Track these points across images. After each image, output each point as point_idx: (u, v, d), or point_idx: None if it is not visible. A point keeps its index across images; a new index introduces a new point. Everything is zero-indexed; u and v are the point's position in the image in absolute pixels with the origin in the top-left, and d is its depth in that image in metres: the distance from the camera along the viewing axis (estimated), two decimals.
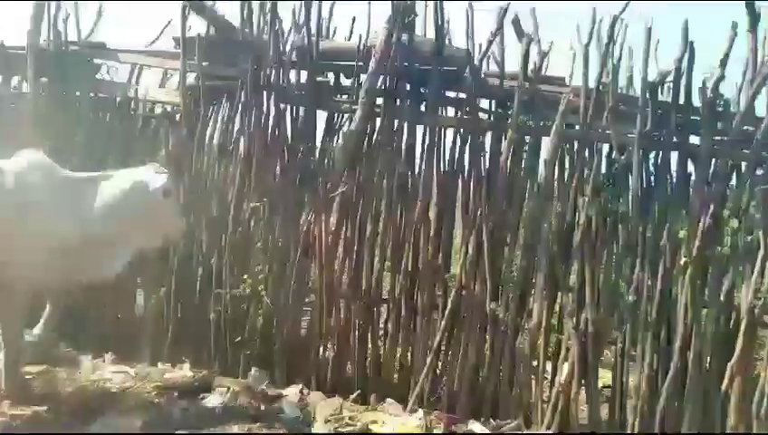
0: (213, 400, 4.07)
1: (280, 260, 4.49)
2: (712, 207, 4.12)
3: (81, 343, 4.59)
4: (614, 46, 4.31)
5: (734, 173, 4.31)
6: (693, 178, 4.27)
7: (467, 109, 4.44)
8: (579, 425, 4.22)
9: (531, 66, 4.34)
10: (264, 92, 4.61)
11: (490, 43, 4.37)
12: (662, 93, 4.43)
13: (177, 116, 4.75)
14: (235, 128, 4.66)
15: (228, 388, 4.20)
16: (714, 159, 4.25)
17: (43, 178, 3.50)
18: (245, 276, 4.51)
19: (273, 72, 4.58)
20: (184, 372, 4.45)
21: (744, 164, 4.22)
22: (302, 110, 4.59)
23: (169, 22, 5.08)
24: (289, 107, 4.62)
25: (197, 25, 4.82)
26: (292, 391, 4.28)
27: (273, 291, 4.48)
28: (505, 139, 4.38)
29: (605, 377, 4.48)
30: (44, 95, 4.87)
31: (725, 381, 4.03)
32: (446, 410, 4.25)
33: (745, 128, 4.19)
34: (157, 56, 4.95)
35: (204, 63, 4.68)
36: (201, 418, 3.78)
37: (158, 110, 5.01)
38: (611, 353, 4.41)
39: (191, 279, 4.64)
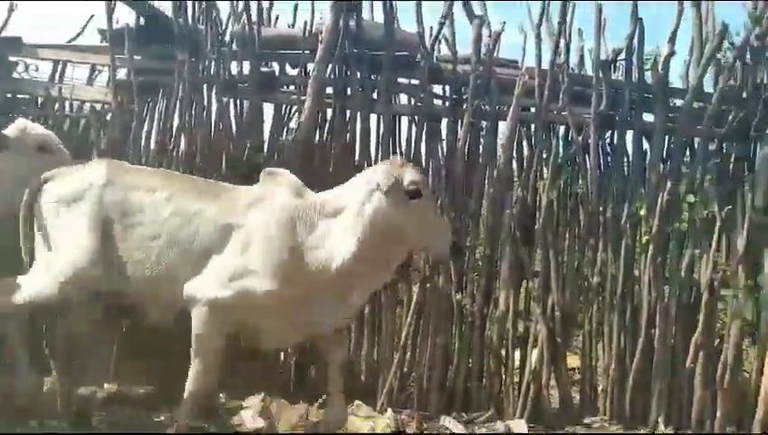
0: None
1: None
2: (669, 183, 4.16)
3: None
4: (565, 26, 4.27)
5: (688, 149, 4.36)
6: (648, 155, 4.29)
7: (421, 96, 4.27)
8: (550, 410, 4.19)
9: (483, 49, 4.24)
10: (204, 86, 4.28)
11: (441, 25, 4.22)
12: (614, 72, 4.41)
13: (109, 115, 4.34)
14: (175, 124, 4.31)
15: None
16: (668, 136, 4.29)
17: None
18: None
19: (213, 63, 4.26)
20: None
21: (696, 140, 4.28)
22: (246, 103, 4.29)
23: (92, 16, 4.64)
24: (232, 100, 4.31)
25: (125, 18, 4.43)
26: (253, 401, 4.02)
27: None
28: (462, 125, 4.26)
29: (572, 361, 4.48)
30: None
31: (690, 356, 4.09)
32: (418, 407, 4.12)
33: (696, 104, 4.24)
34: (81, 51, 4.52)
35: (135, 57, 4.30)
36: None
37: (86, 109, 4.57)
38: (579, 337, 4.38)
39: None
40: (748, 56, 4.19)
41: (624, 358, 4.20)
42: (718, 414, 4.04)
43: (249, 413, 3.86)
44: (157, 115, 4.36)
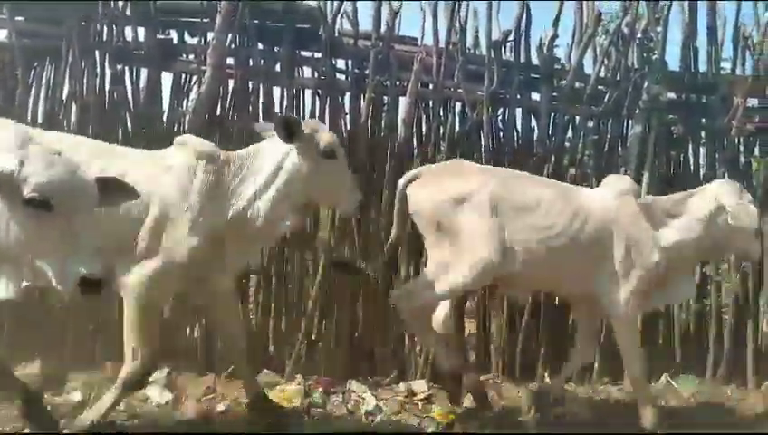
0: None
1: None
2: (553, 157, 4.54)
3: None
4: (460, 6, 4.50)
5: (570, 126, 4.75)
6: (536, 132, 4.64)
7: (323, 69, 4.34)
8: None
9: (383, 25, 4.38)
10: (96, 52, 4.10)
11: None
12: (505, 53, 4.70)
13: None
14: (65, 93, 4.09)
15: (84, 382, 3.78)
16: (552, 114, 4.66)
17: None
18: None
19: (105, 28, 4.09)
20: (33, 369, 3.89)
21: (577, 118, 4.68)
22: (144, 71, 4.16)
23: None
24: (128, 69, 4.16)
25: None
26: (158, 376, 3.95)
27: None
28: (364, 99, 4.37)
29: (469, 326, 4.77)
30: None
31: (572, 316, 4.50)
32: (325, 373, 4.22)
33: (577, 84, 4.64)
34: None
35: (17, 18, 4.02)
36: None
37: None
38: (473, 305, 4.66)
39: None
40: (621, 42, 4.63)
41: (514, 320, 4.55)
42: (596, 366, 4.49)
43: (156, 388, 3.80)
44: (44, 82, 4.11)
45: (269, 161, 2.96)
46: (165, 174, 2.87)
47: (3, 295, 2.18)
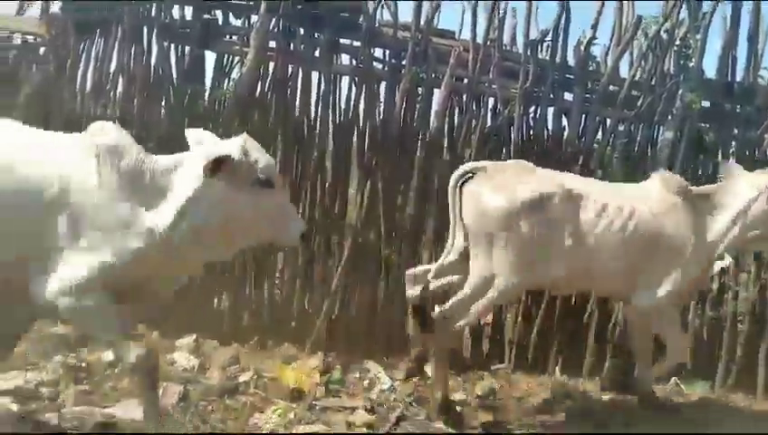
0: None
1: None
2: (582, 158, 4.58)
3: None
4: (500, 4, 4.54)
5: (600, 129, 4.78)
6: (566, 132, 4.68)
7: (362, 57, 4.43)
8: (463, 358, 4.58)
9: (423, 18, 4.44)
10: (144, 29, 4.24)
11: None
12: (541, 52, 4.72)
13: (42, 49, 4.22)
14: (112, 67, 4.26)
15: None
16: (584, 115, 4.69)
17: None
18: None
19: (154, 6, 4.23)
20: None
21: (608, 120, 4.71)
22: (188, 49, 4.30)
23: None
24: (174, 46, 4.30)
25: None
26: (185, 342, 4.16)
27: None
28: (399, 89, 4.46)
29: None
30: None
31: (587, 313, 4.60)
32: (344, 352, 4.38)
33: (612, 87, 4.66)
34: None
35: None
36: None
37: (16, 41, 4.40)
38: None
39: None
40: (658, 47, 4.62)
41: (529, 314, 4.66)
42: (607, 364, 4.59)
43: (183, 353, 4.00)
44: (94, 55, 4.27)
45: (738, 200, 3.45)
46: (659, 209, 3.45)
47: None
